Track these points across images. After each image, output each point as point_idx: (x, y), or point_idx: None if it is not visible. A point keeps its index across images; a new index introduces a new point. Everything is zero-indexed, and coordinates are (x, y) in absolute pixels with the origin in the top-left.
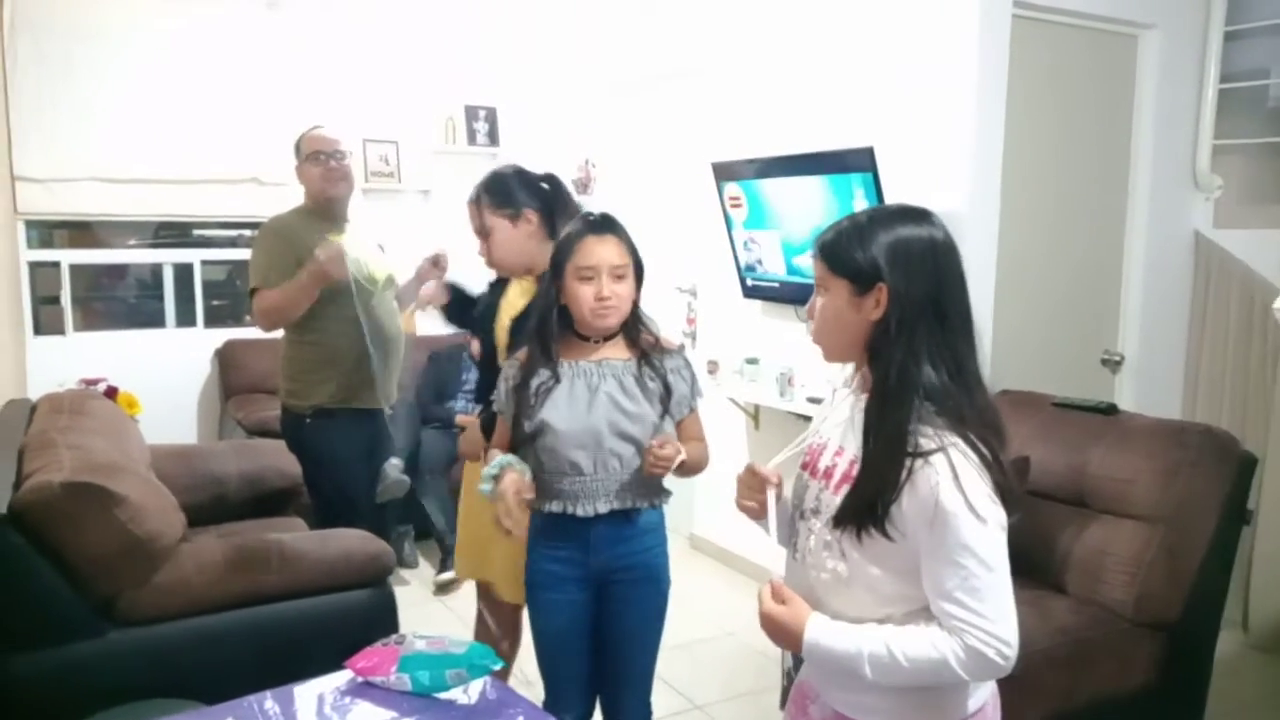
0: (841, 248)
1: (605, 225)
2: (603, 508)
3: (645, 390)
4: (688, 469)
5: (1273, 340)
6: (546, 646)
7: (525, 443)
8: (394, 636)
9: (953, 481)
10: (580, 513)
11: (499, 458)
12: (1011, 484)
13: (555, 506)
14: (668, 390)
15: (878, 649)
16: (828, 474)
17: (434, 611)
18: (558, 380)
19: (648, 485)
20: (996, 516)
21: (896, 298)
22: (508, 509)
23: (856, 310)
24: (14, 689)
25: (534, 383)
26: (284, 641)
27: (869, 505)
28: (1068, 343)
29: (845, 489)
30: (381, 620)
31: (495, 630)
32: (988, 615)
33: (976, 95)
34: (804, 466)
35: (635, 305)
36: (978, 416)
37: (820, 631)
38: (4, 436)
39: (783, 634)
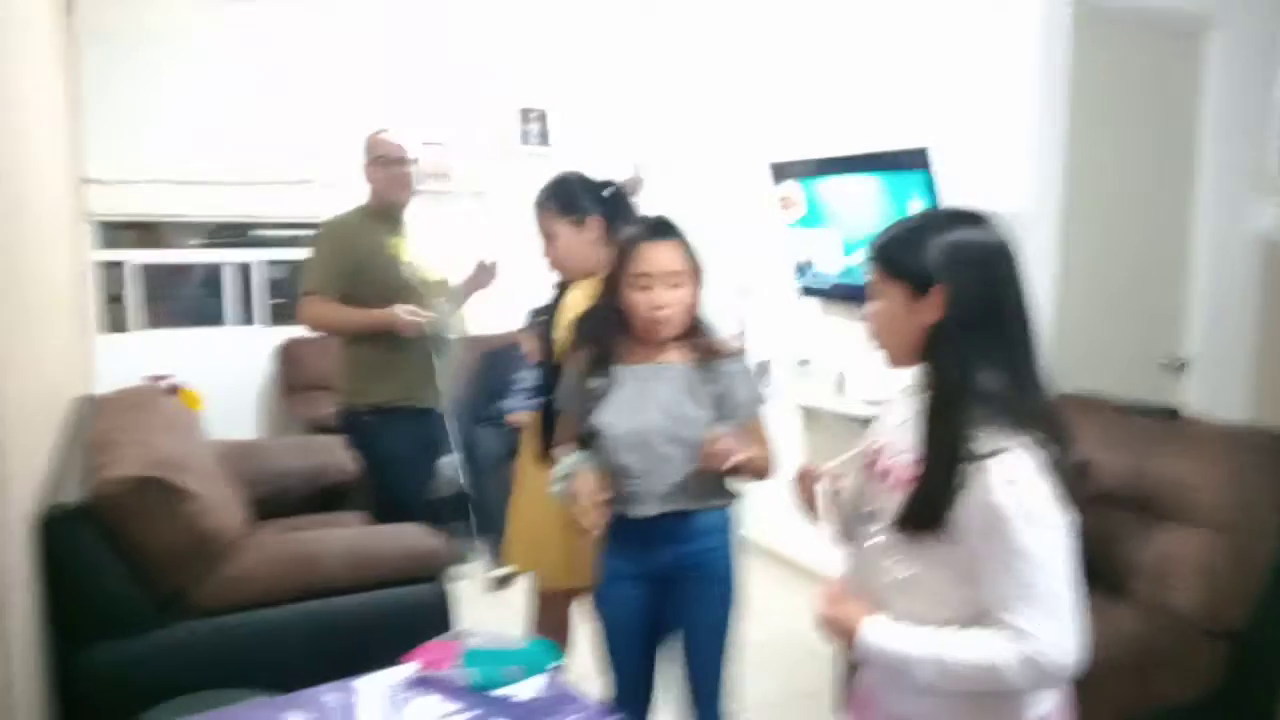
0: (897, 251)
1: (662, 230)
2: (653, 510)
3: (699, 395)
4: (751, 471)
5: None
6: (607, 641)
7: (586, 443)
8: (455, 631)
9: (1011, 485)
10: (633, 514)
11: (568, 459)
12: (1074, 487)
13: (614, 507)
14: (725, 395)
15: (933, 653)
16: (887, 477)
17: (488, 607)
18: (613, 383)
19: (705, 488)
20: (1057, 521)
21: (954, 300)
22: (584, 510)
23: (914, 313)
24: (86, 679)
25: (591, 385)
26: (344, 634)
27: (928, 510)
28: (1130, 345)
29: (905, 492)
30: (438, 615)
31: (548, 625)
32: (1046, 624)
33: (1038, 94)
34: (863, 469)
35: (696, 309)
36: (1039, 418)
37: (876, 634)
38: (73, 433)
39: (839, 635)
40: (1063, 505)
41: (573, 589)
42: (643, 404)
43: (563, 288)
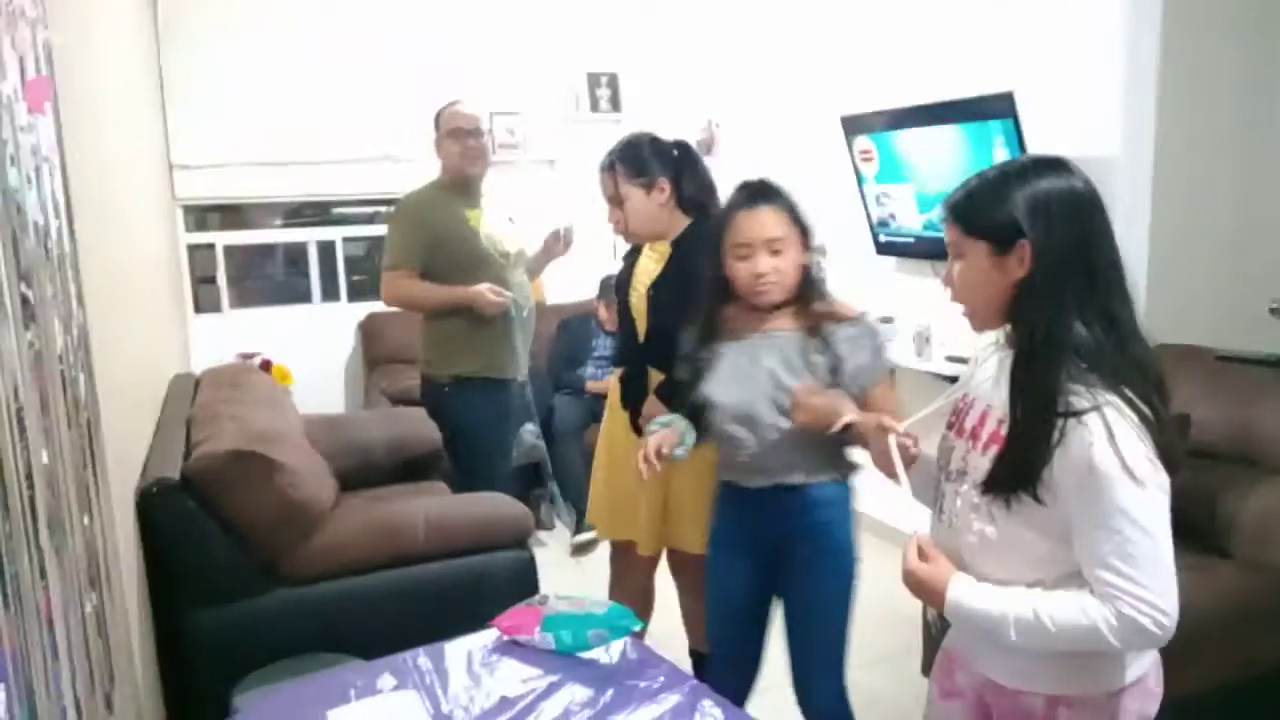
0: (976, 208)
1: (759, 196)
2: (763, 481)
3: (810, 363)
4: (862, 437)
5: None
6: (712, 609)
7: (697, 413)
8: (537, 597)
9: (1108, 442)
10: (743, 483)
11: (663, 417)
12: (1174, 443)
13: (726, 475)
14: (842, 362)
15: (1024, 612)
16: (974, 434)
17: (570, 573)
18: (721, 354)
19: (818, 460)
20: (1156, 479)
21: (1041, 253)
22: (643, 457)
23: (999, 270)
24: (193, 643)
25: (701, 356)
26: (431, 600)
27: (1020, 470)
28: (1232, 291)
29: (993, 451)
30: (522, 581)
31: (630, 590)
32: (1144, 583)
33: (1125, 30)
34: (949, 426)
35: (808, 272)
36: (1136, 372)
37: (963, 592)
38: (173, 409)
39: (926, 592)
40: (1161, 463)
41: (657, 554)
42: (750, 375)
43: (634, 254)
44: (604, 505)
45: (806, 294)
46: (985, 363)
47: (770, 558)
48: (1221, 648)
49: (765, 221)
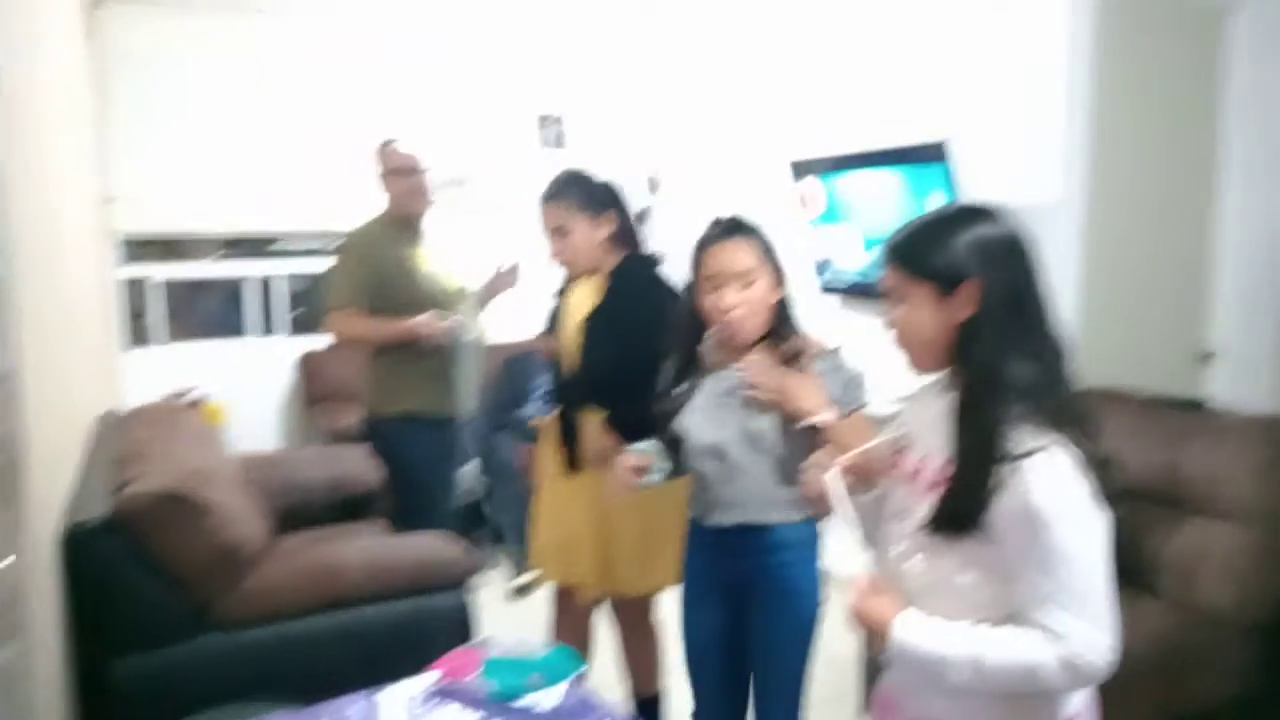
0: (920, 251)
1: (732, 230)
2: (729, 519)
3: None
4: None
5: None
6: (686, 653)
7: (673, 449)
8: (478, 640)
9: (1048, 484)
10: (710, 522)
11: (643, 445)
12: (1110, 482)
13: (695, 513)
14: None
15: (967, 652)
16: (915, 476)
17: (509, 615)
18: (695, 389)
19: (784, 500)
20: (1096, 520)
21: (987, 294)
22: (618, 475)
23: (944, 312)
24: (117, 691)
25: (676, 391)
26: (369, 644)
27: (963, 511)
28: (1157, 337)
29: (937, 492)
30: (460, 624)
31: (570, 633)
32: (1084, 625)
33: (1061, 83)
34: (891, 468)
35: (782, 307)
36: (1071, 412)
37: (909, 629)
38: (101, 447)
39: (872, 629)
40: (1100, 504)
41: (601, 597)
42: (721, 412)
43: (565, 287)
44: (547, 548)
45: (780, 330)
46: (926, 403)
47: (737, 599)
48: (1149, 687)
49: (736, 254)
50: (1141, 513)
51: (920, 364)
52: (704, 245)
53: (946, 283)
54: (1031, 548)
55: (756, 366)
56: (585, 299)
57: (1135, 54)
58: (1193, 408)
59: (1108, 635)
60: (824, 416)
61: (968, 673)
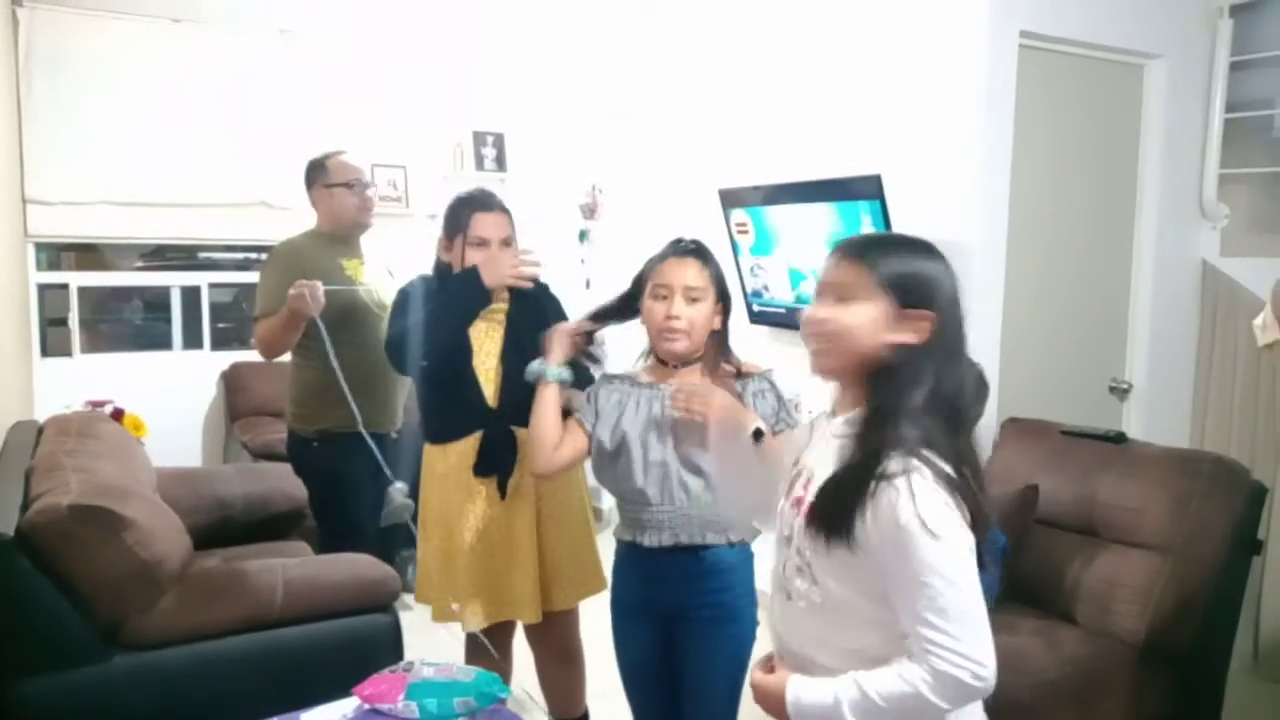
0: (896, 263)
1: (691, 250)
2: (667, 540)
3: None
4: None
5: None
6: (624, 678)
7: (606, 464)
8: (402, 664)
9: (911, 501)
10: (646, 543)
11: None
12: (981, 505)
13: (628, 535)
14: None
15: (853, 693)
16: (798, 502)
17: (437, 637)
18: (635, 399)
19: (721, 522)
20: (960, 536)
21: (937, 330)
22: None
23: (889, 328)
24: (18, 714)
25: (610, 396)
26: (290, 667)
27: (831, 512)
28: (1075, 371)
29: (803, 509)
30: (388, 645)
31: (493, 653)
32: (956, 635)
33: (983, 125)
34: (784, 493)
35: (720, 336)
36: (944, 437)
37: (800, 689)
38: (11, 459)
39: (771, 702)
40: (966, 526)
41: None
42: (662, 430)
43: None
44: (467, 594)
45: (714, 355)
46: (816, 432)
47: (670, 622)
48: (1065, 711)
49: (689, 270)
50: (1060, 541)
51: (833, 368)
52: (661, 258)
53: (907, 303)
54: (899, 564)
55: (686, 389)
56: (489, 329)
57: (1055, 98)
58: (1113, 440)
59: (982, 647)
60: (758, 424)
61: (856, 712)
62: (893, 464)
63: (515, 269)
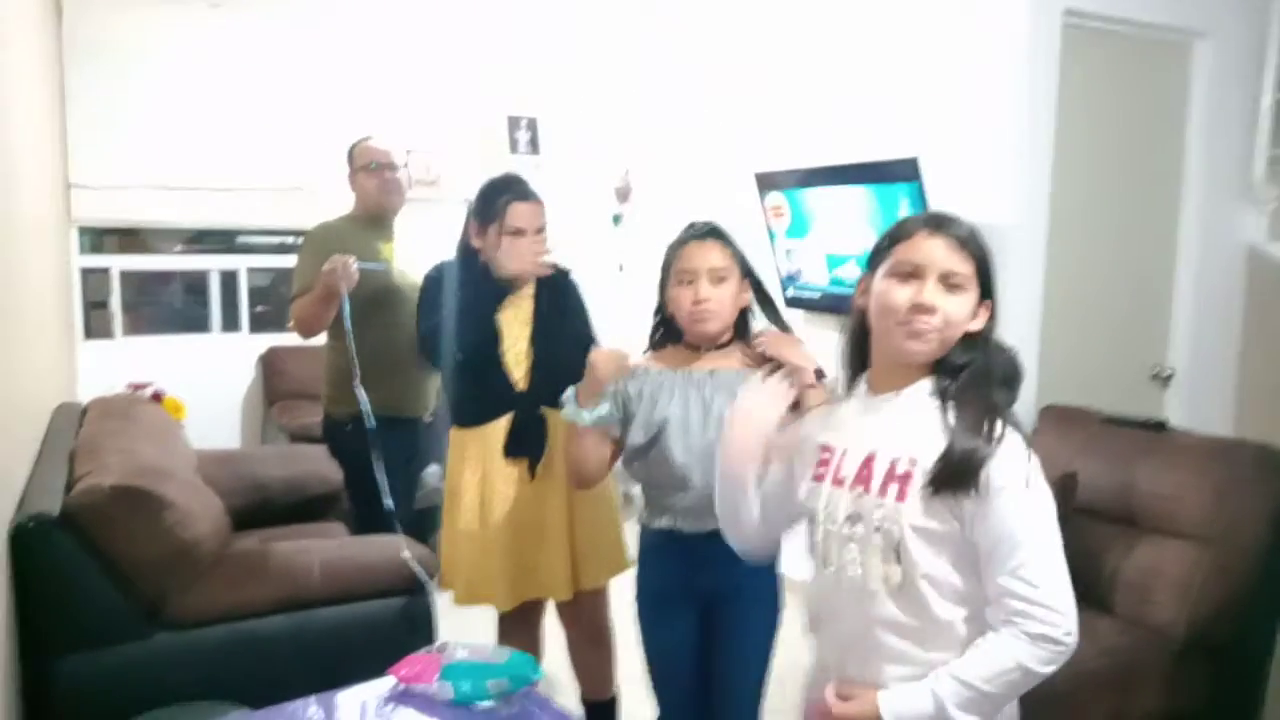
0: (987, 257)
1: (708, 232)
2: (711, 524)
3: None
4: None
5: None
6: (654, 666)
7: (638, 454)
8: (436, 645)
9: (1011, 462)
10: (688, 529)
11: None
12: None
13: (664, 522)
14: None
15: (952, 687)
16: (863, 480)
17: (470, 619)
18: (668, 392)
19: None
20: (1049, 495)
21: (992, 316)
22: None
23: (973, 317)
24: (62, 691)
25: (643, 389)
26: (326, 646)
27: (958, 480)
28: (1116, 357)
29: (894, 490)
30: (421, 626)
31: (520, 639)
32: (1050, 591)
33: (1025, 105)
34: (817, 478)
35: (745, 314)
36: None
37: (895, 703)
38: (55, 440)
39: None
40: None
41: (527, 604)
42: (705, 414)
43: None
44: (497, 574)
45: (744, 335)
46: (848, 411)
47: (703, 607)
48: (1103, 701)
49: (711, 252)
50: (1098, 530)
51: (931, 353)
52: (681, 244)
53: (985, 292)
54: (999, 523)
55: (771, 336)
56: (517, 313)
57: (1099, 78)
58: (1153, 428)
59: (1068, 606)
60: (808, 367)
61: (962, 705)
62: (996, 429)
63: (536, 259)
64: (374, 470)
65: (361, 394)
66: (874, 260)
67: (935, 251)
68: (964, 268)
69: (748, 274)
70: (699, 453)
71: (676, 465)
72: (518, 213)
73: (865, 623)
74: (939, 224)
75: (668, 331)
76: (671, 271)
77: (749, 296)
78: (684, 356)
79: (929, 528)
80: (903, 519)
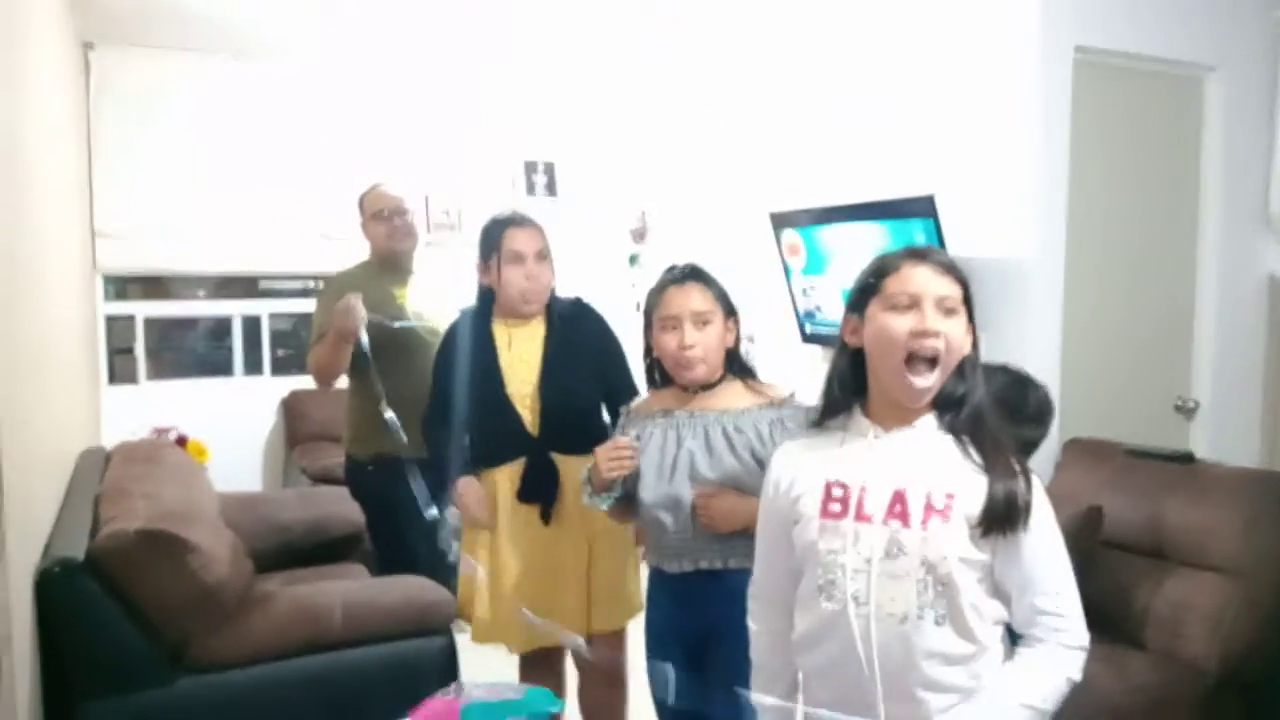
0: (966, 278)
1: (688, 275)
2: (688, 566)
3: (733, 444)
4: None
5: None
6: (656, 702)
7: (628, 494)
8: (452, 686)
9: (1035, 488)
10: (670, 569)
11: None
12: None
13: (653, 560)
14: (763, 444)
15: (1025, 715)
16: (899, 514)
17: (492, 658)
18: (650, 433)
19: (737, 544)
20: (1052, 508)
21: (975, 340)
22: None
23: (966, 341)
24: None
25: (631, 432)
26: (348, 689)
27: (1010, 503)
28: (1138, 390)
29: (936, 521)
30: (443, 667)
31: (544, 680)
32: (1073, 603)
33: (1039, 141)
34: (833, 515)
35: (734, 354)
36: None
37: None
38: (81, 485)
39: None
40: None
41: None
42: (675, 459)
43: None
44: (512, 617)
45: (733, 375)
46: (854, 447)
47: (695, 643)
48: None
49: (692, 296)
50: (1127, 564)
51: (938, 381)
52: (661, 289)
53: (970, 315)
54: (1034, 546)
55: (702, 500)
56: (524, 351)
57: (1113, 113)
58: (1181, 460)
59: (1081, 615)
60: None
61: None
62: (1019, 465)
63: (538, 282)
64: (397, 510)
65: (390, 414)
66: (859, 299)
67: (927, 279)
68: (954, 291)
69: (731, 313)
70: (667, 501)
71: (651, 511)
72: (514, 237)
73: (908, 657)
74: (921, 254)
75: (663, 373)
76: (655, 318)
77: (734, 337)
78: (682, 397)
79: (973, 558)
80: (949, 551)
